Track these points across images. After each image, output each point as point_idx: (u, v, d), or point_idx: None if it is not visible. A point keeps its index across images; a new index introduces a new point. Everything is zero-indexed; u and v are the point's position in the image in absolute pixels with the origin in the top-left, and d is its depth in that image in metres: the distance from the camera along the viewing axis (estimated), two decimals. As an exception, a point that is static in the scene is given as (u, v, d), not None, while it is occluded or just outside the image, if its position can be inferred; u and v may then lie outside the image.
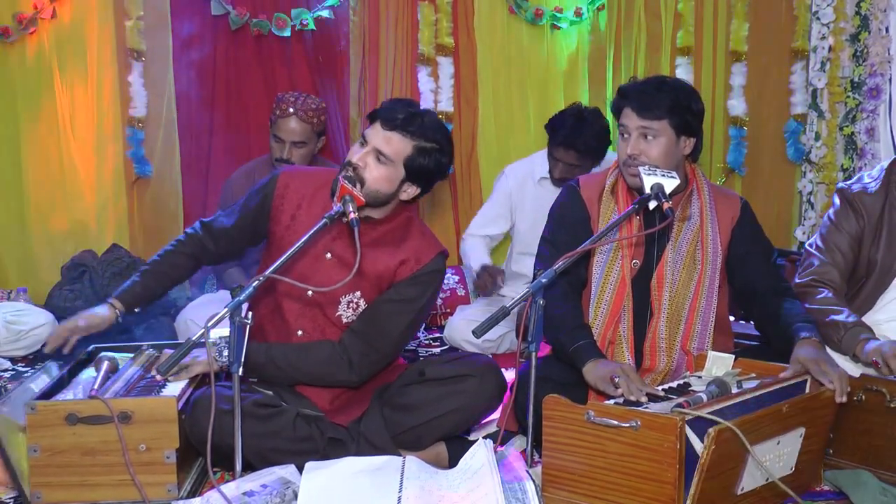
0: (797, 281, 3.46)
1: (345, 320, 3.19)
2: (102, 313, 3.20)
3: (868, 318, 3.37)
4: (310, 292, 3.14)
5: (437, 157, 3.14)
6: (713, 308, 3.32)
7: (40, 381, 3.04)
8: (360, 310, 3.19)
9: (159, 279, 3.32)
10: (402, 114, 3.08)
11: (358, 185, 3.04)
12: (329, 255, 3.18)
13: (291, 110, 4.45)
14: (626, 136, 3.27)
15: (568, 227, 3.36)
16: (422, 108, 3.20)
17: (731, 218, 3.38)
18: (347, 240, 3.12)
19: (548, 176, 4.78)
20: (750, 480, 2.66)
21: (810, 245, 3.54)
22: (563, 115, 4.67)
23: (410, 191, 3.18)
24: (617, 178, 3.40)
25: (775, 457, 2.71)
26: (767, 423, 2.66)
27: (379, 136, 3.08)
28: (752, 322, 3.66)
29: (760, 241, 3.43)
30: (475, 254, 4.87)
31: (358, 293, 3.17)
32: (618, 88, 3.38)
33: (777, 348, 3.21)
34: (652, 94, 3.25)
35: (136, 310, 3.28)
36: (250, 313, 2.73)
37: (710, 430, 2.49)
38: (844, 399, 2.86)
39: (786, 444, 2.73)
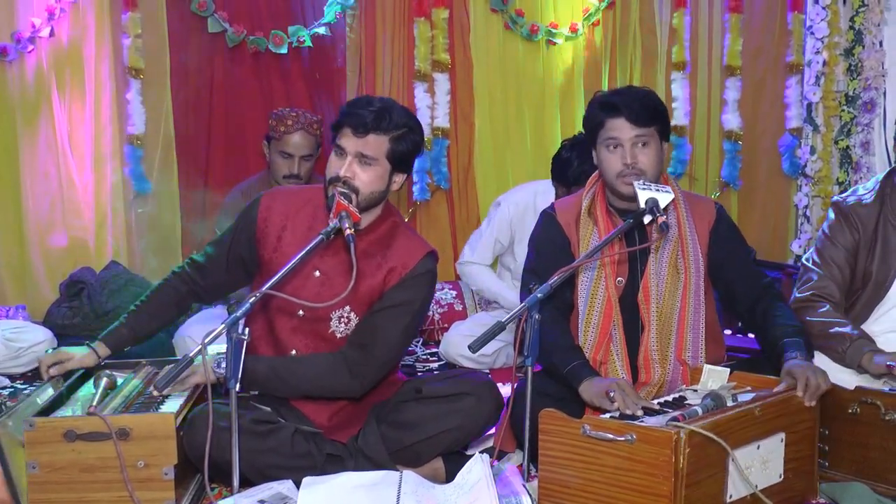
0: (797, 296, 3.48)
1: (338, 335, 3.20)
2: (83, 359, 3.19)
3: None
4: (301, 312, 3.16)
5: (411, 138, 3.18)
6: (702, 315, 3.34)
7: (46, 395, 3.04)
8: (352, 323, 3.19)
9: (146, 321, 3.29)
10: (370, 116, 3.08)
11: (353, 197, 3.05)
12: (317, 273, 3.18)
13: (297, 126, 4.48)
14: (614, 147, 3.27)
15: (548, 255, 3.36)
16: (379, 98, 3.23)
17: (708, 223, 3.39)
18: (335, 257, 3.14)
19: None
20: (736, 488, 2.66)
21: (807, 259, 3.55)
22: (562, 157, 4.48)
23: (398, 179, 3.21)
24: (593, 198, 3.41)
25: (759, 463, 2.72)
26: (741, 427, 2.66)
27: (355, 143, 3.09)
28: (742, 327, 3.67)
29: (738, 243, 3.45)
30: (494, 283, 4.89)
31: (347, 307, 3.17)
32: (602, 102, 3.34)
33: (766, 354, 3.27)
34: (641, 101, 3.30)
35: (121, 352, 3.29)
36: (247, 329, 2.74)
37: (682, 434, 2.50)
38: (813, 403, 2.86)
39: (767, 449, 2.74)
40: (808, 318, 3.36)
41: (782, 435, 2.80)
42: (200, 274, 3.33)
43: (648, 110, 3.28)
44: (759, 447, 2.72)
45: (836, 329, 3.28)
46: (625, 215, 3.34)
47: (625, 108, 3.27)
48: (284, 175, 4.47)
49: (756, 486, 2.69)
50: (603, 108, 3.31)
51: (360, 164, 3.09)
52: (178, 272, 3.35)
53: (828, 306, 3.39)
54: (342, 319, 3.20)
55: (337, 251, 3.13)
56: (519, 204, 4.83)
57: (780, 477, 2.80)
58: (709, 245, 3.38)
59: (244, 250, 3.29)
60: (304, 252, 2.91)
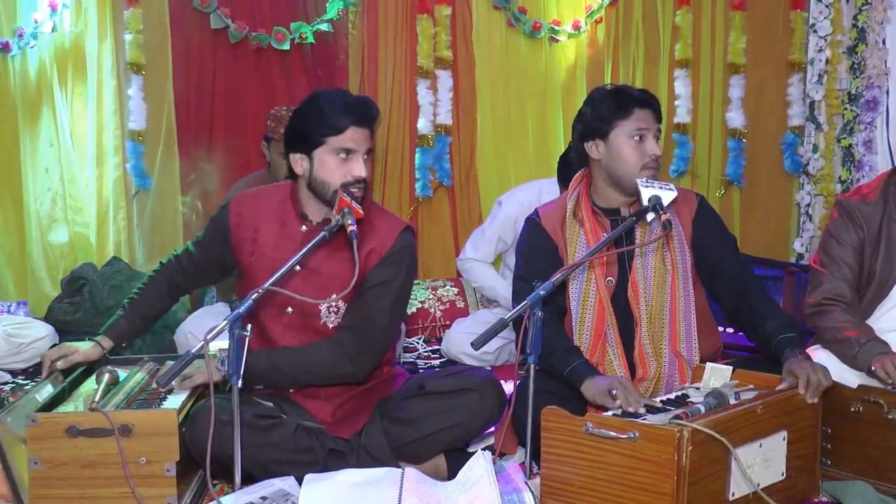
0: (809, 301, 3.47)
1: (330, 326, 3.21)
2: (88, 352, 3.23)
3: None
4: (289, 309, 3.19)
5: None
6: (692, 306, 3.34)
7: (45, 392, 3.04)
8: (342, 312, 3.21)
9: (143, 311, 3.37)
10: (372, 109, 3.16)
11: (363, 192, 3.11)
12: (298, 268, 3.16)
13: None
14: (640, 139, 3.29)
15: (538, 261, 3.37)
16: (345, 90, 3.37)
17: (690, 212, 3.40)
18: (316, 251, 3.13)
19: None
20: (738, 486, 2.66)
21: (814, 262, 3.54)
22: (569, 158, 4.39)
23: None
24: (578, 200, 3.43)
25: (761, 461, 2.71)
26: (744, 425, 2.66)
27: (364, 137, 3.13)
28: (727, 318, 3.67)
29: (720, 229, 3.46)
30: (494, 280, 4.90)
31: (334, 296, 3.17)
32: (628, 94, 3.37)
33: (759, 348, 3.32)
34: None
35: (122, 345, 3.35)
36: (249, 326, 2.74)
37: (684, 431, 2.49)
38: (815, 400, 2.86)
39: (769, 447, 2.74)
40: (820, 324, 3.38)
41: (785, 433, 2.79)
42: (183, 270, 3.41)
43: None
44: (760, 445, 2.72)
45: (846, 334, 3.28)
46: (610, 214, 3.37)
47: (652, 100, 3.36)
48: (287, 175, 4.45)
49: (758, 485, 2.69)
50: (635, 99, 3.34)
51: (366, 160, 3.13)
52: (166, 264, 3.43)
53: (838, 310, 3.38)
54: (332, 309, 3.21)
55: (319, 244, 3.14)
56: (523, 203, 4.79)
57: (783, 475, 2.79)
58: (692, 234, 3.39)
59: (221, 255, 3.34)
60: (306, 249, 2.94)
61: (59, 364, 3.15)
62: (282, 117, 4.49)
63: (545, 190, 4.76)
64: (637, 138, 3.29)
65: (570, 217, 3.40)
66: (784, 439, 2.79)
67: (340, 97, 3.17)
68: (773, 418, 2.76)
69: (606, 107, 3.34)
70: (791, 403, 2.85)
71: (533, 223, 3.47)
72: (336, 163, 3.11)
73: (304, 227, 3.20)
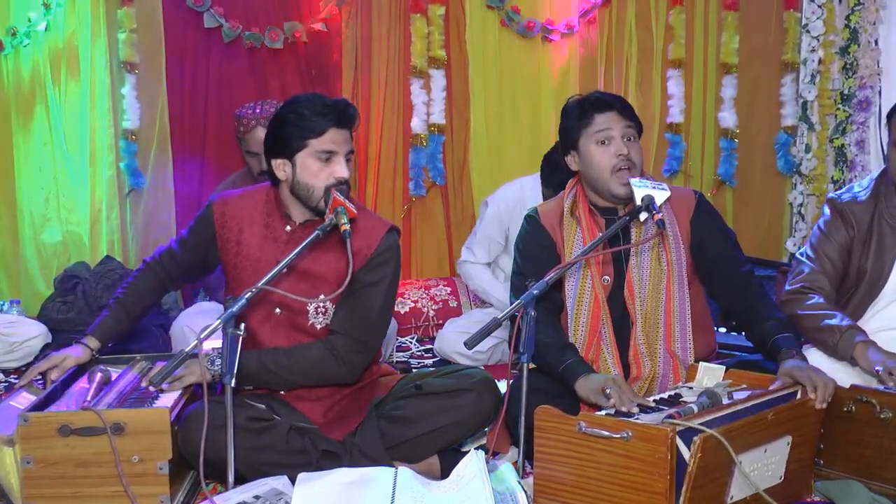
0: (787, 288, 3.48)
1: (318, 327, 3.21)
2: (77, 355, 3.20)
3: (858, 328, 3.39)
4: (277, 310, 3.19)
5: None
6: (687, 306, 3.34)
7: (21, 399, 3.04)
8: (329, 313, 3.20)
9: (129, 309, 3.34)
10: (350, 110, 3.15)
11: (348, 192, 3.09)
12: (285, 270, 3.11)
13: (254, 122, 4.47)
14: (606, 141, 3.30)
15: (535, 258, 3.38)
16: (319, 94, 3.33)
17: (688, 212, 3.40)
18: (294, 249, 3.11)
19: None
20: (738, 490, 2.67)
21: (801, 254, 3.56)
22: (554, 158, 4.51)
23: None
24: (575, 199, 3.44)
25: (763, 465, 2.71)
26: (753, 431, 2.66)
27: (345, 139, 3.14)
28: (724, 316, 3.66)
29: (718, 225, 3.45)
30: (489, 283, 4.91)
31: (322, 296, 3.17)
32: (588, 100, 3.38)
33: (750, 340, 3.34)
34: (622, 99, 3.41)
35: (109, 344, 3.33)
36: (243, 325, 2.74)
37: (696, 438, 2.49)
38: (825, 405, 2.87)
39: (773, 452, 2.74)
40: (798, 312, 3.38)
41: (789, 438, 2.80)
42: (166, 270, 3.40)
43: (629, 106, 3.38)
44: (766, 451, 2.72)
45: (826, 322, 3.29)
46: (607, 213, 3.38)
47: (615, 101, 3.36)
48: (259, 172, 4.44)
49: (759, 489, 2.69)
50: (593, 104, 3.35)
51: (347, 161, 3.14)
52: (150, 263, 3.42)
53: (817, 298, 3.39)
54: (319, 310, 3.20)
55: (296, 244, 3.13)
56: (508, 201, 4.83)
57: (781, 478, 2.80)
58: (690, 234, 3.39)
59: (206, 255, 3.35)
60: (299, 248, 2.96)
61: (54, 374, 3.13)
62: (241, 116, 4.54)
63: (528, 186, 4.80)
64: (602, 142, 3.30)
65: (568, 215, 3.41)
66: (788, 444, 2.80)
67: (318, 100, 3.16)
68: (782, 424, 2.77)
69: (571, 117, 3.38)
70: (800, 409, 2.85)
71: (532, 220, 3.47)
72: (318, 166, 3.11)
73: (287, 228, 3.20)
